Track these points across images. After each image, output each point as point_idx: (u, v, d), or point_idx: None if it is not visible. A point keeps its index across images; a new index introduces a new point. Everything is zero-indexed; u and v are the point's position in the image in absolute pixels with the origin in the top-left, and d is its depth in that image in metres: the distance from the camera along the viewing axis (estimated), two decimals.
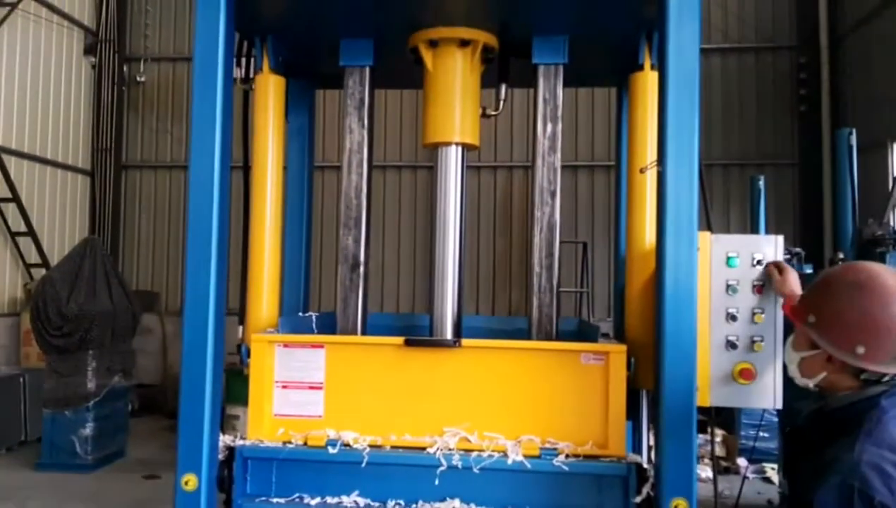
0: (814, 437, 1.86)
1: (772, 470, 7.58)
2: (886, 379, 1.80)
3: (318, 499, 2.51)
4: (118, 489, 6.88)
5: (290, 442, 2.53)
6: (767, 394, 2.54)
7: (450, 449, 2.45)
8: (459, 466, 2.42)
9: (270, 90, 2.91)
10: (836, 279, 1.90)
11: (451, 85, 2.79)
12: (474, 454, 2.43)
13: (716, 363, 2.55)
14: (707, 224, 2.57)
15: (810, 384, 1.90)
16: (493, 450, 2.44)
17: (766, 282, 2.53)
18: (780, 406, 2.56)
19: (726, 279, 2.53)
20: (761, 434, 7.46)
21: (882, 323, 1.76)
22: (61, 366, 7.32)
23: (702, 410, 2.41)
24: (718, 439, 8.10)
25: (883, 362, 1.76)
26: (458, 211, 2.80)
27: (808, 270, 6.35)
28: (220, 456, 2.48)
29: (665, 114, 2.28)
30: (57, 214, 10.52)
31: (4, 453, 7.93)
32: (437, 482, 2.44)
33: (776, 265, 2.51)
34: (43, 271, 8.15)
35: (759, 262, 2.54)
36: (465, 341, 2.55)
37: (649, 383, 2.54)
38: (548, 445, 2.45)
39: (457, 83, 2.79)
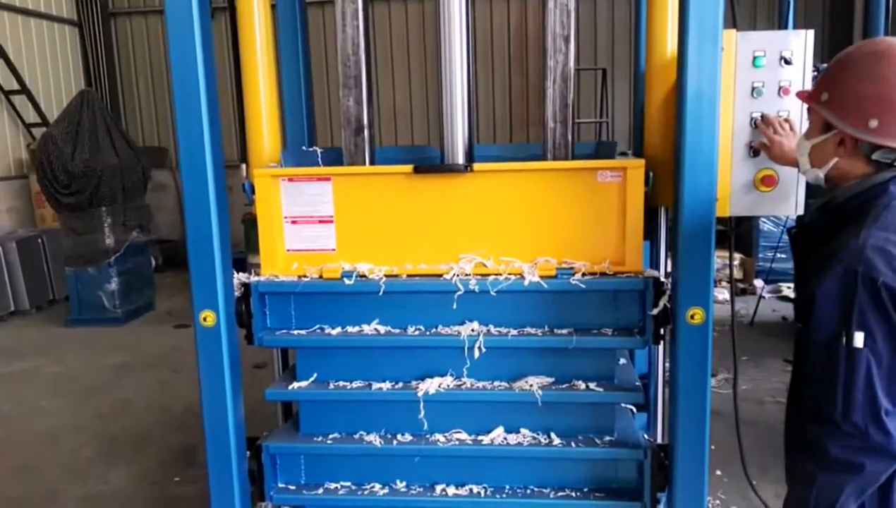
0: (820, 233, 1.77)
1: (787, 289, 7.71)
2: None
3: (338, 329, 2.53)
4: (151, 338, 7.17)
5: (305, 276, 2.51)
6: (789, 201, 2.45)
7: (466, 275, 2.43)
8: (476, 290, 2.40)
9: None
10: (853, 52, 1.75)
11: None
12: (491, 278, 2.41)
13: (737, 171, 2.46)
14: (732, 21, 2.36)
15: (821, 174, 1.80)
16: (509, 273, 2.42)
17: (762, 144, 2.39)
18: (801, 211, 2.48)
19: (752, 81, 2.37)
20: (778, 254, 7.53)
21: None
22: (76, 225, 7.39)
23: (721, 222, 2.35)
24: (736, 262, 8.20)
25: None
26: (464, 28, 2.58)
27: None
28: (236, 293, 2.48)
29: None
30: (49, 70, 10.20)
31: (35, 313, 8.22)
32: (454, 306, 2.44)
33: (773, 122, 2.35)
34: (43, 130, 7.99)
35: (786, 61, 2.37)
36: (476, 165, 2.44)
37: (668, 199, 2.46)
38: (564, 265, 2.42)
39: None
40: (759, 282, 7.85)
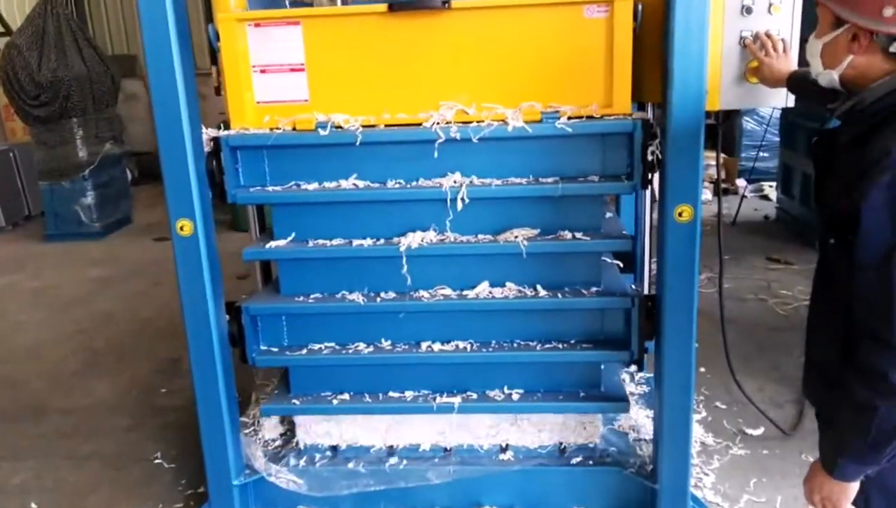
0: (847, 141, 1.60)
1: (769, 188, 7.68)
2: None
3: (315, 185, 2.44)
4: (131, 251, 7.03)
5: (277, 129, 2.40)
6: (779, 92, 2.32)
7: (447, 122, 2.33)
8: (458, 138, 2.30)
9: None
10: None
11: None
12: (473, 124, 2.31)
13: (727, 62, 2.31)
14: None
15: (835, 76, 1.61)
16: (492, 120, 2.31)
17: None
18: (791, 104, 2.36)
19: None
20: (761, 154, 7.45)
21: None
22: (48, 137, 7.17)
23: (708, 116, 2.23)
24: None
25: None
26: None
27: None
28: (206, 149, 2.37)
29: None
30: None
31: (11, 229, 8.04)
32: (435, 155, 2.35)
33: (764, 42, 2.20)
34: (7, 40, 7.63)
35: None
36: (455, 2, 2.29)
37: (655, 95, 2.34)
38: (550, 110, 2.31)
39: None
40: (741, 182, 7.80)
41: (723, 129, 2.53)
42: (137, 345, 4.71)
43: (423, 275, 2.48)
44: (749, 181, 7.52)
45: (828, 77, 1.64)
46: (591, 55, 2.29)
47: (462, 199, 2.34)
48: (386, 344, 2.56)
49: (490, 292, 2.47)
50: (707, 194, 7.52)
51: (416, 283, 2.48)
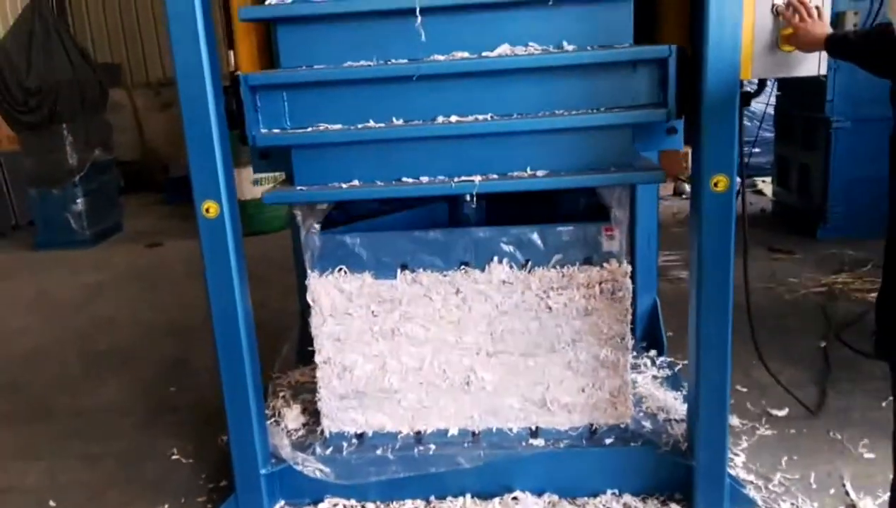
0: None
1: (763, 183, 7.75)
2: None
3: None
4: (124, 257, 6.92)
5: None
6: (812, 59, 2.32)
7: None
8: None
9: None
10: None
11: None
12: None
13: (759, 32, 2.30)
14: None
15: None
16: None
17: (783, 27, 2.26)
18: (824, 71, 2.37)
19: None
20: (754, 149, 7.51)
21: None
22: (37, 143, 7.05)
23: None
24: None
25: None
26: None
27: None
28: None
29: None
30: None
31: None
32: None
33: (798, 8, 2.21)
34: None
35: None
36: None
37: (678, 37, 2.32)
38: None
39: None
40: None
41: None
42: (141, 347, 4.59)
43: (437, 38, 2.30)
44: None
45: None
46: None
47: None
48: (398, 122, 2.36)
49: (512, 50, 2.32)
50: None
51: (429, 47, 2.31)
